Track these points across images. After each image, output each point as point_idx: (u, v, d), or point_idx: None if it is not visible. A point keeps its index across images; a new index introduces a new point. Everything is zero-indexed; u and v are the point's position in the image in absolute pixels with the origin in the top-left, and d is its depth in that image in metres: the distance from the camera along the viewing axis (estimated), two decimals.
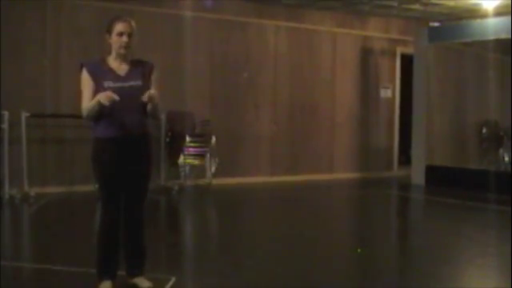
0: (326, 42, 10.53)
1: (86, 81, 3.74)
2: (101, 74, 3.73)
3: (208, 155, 8.79)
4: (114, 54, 3.78)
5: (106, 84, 3.69)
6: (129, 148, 3.77)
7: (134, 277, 3.93)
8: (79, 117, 3.79)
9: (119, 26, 3.73)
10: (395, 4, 9.84)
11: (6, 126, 7.50)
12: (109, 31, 3.75)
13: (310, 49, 10.38)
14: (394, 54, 11.23)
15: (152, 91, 3.69)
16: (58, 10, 8.21)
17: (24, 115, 7.65)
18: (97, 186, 3.87)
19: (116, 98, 3.56)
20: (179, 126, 8.79)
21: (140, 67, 3.84)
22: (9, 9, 7.74)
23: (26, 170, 7.68)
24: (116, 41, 3.74)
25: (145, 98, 3.66)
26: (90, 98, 3.70)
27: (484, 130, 10.80)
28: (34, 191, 7.62)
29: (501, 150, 10.66)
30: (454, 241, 5.81)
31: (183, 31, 9.04)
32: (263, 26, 9.90)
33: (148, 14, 8.56)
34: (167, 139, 8.73)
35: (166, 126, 8.71)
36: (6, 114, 7.50)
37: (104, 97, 3.57)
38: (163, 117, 8.47)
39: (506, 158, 10.48)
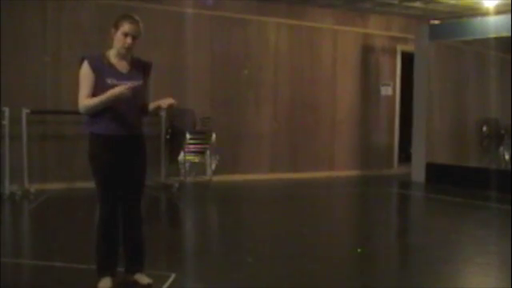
0: (326, 39, 10.52)
1: (87, 75, 3.69)
2: (103, 70, 3.70)
3: (208, 152, 8.79)
4: (115, 50, 3.76)
5: (110, 81, 3.67)
6: (127, 146, 3.78)
7: (134, 273, 3.93)
8: (80, 113, 3.77)
9: (126, 27, 3.68)
10: (396, 2, 9.83)
11: (6, 122, 7.49)
12: (116, 27, 3.71)
13: (311, 46, 10.37)
14: (394, 52, 11.21)
15: (173, 100, 3.73)
16: (58, 6, 8.21)
17: (25, 112, 7.65)
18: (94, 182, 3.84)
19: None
20: (179, 123, 8.78)
21: (140, 66, 3.84)
22: (10, 5, 7.74)
23: (27, 166, 7.69)
24: (120, 40, 3.70)
25: (164, 103, 3.73)
26: (88, 92, 3.68)
27: (484, 128, 10.81)
28: (34, 188, 7.62)
29: (501, 148, 10.67)
30: (454, 239, 5.81)
31: (184, 28, 9.05)
32: (264, 23, 9.89)
33: (149, 10, 8.53)
34: (167, 136, 8.73)
35: (167, 123, 8.71)
36: (6, 110, 7.50)
37: (125, 89, 3.59)
38: (163, 113, 8.47)
39: (507, 156, 10.50)
